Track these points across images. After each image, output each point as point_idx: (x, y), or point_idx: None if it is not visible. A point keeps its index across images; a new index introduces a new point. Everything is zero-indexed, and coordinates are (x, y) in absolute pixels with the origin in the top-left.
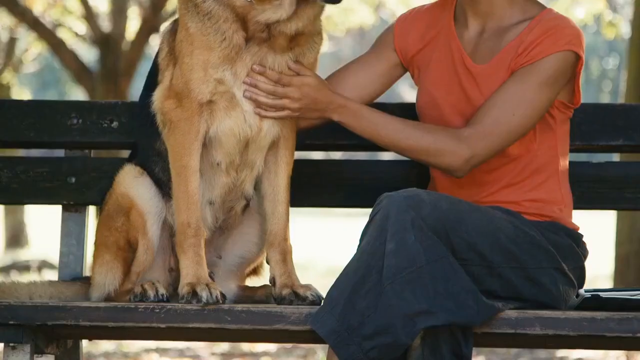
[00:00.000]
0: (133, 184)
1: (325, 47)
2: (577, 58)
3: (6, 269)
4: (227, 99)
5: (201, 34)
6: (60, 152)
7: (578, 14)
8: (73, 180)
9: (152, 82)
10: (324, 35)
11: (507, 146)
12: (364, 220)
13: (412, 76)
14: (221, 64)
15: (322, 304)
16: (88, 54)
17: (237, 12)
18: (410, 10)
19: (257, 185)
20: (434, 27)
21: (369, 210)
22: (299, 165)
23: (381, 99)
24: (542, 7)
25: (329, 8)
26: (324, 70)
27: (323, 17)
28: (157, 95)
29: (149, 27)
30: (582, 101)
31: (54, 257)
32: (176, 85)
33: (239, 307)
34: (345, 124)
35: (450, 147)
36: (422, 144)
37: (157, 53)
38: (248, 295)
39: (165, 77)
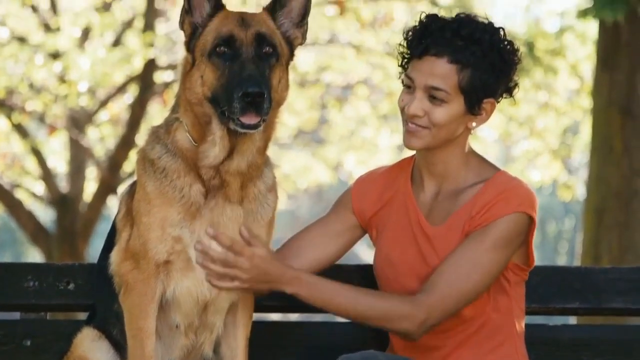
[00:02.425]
0: (91, 348)
1: (283, 205)
2: (530, 220)
3: None
4: (184, 259)
5: (159, 192)
6: (15, 315)
7: (534, 176)
8: (29, 343)
9: (110, 243)
10: (282, 194)
11: (462, 308)
12: None
13: (371, 237)
14: (179, 222)
15: None
16: (45, 215)
17: (188, 161)
18: (368, 173)
19: (216, 347)
20: (391, 188)
21: None
22: (256, 326)
23: (339, 260)
24: (496, 169)
25: (285, 164)
26: (282, 228)
27: (280, 175)
28: (114, 257)
29: (106, 187)
30: (537, 262)
31: None
32: (133, 246)
33: None
34: (299, 295)
35: (404, 312)
36: (376, 311)
37: (116, 214)
38: None
39: (122, 238)
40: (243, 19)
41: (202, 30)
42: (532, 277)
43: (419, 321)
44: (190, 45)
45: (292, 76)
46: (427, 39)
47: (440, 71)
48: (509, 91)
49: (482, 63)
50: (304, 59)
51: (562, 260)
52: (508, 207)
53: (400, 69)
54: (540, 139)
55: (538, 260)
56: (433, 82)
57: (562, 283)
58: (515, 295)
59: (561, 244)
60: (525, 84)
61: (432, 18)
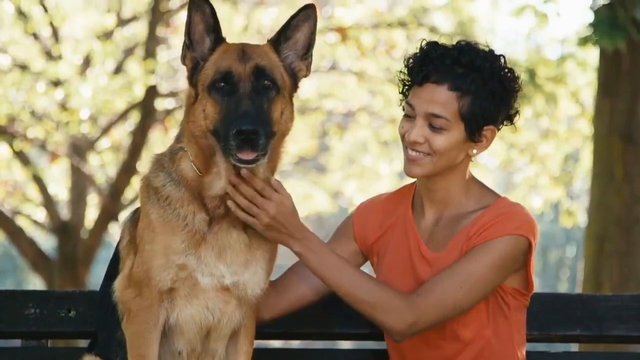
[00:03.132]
0: None
1: None
2: (529, 244)
3: None
4: (189, 286)
5: (163, 221)
6: (16, 342)
7: (535, 203)
8: None
9: (112, 270)
10: None
11: (449, 319)
12: None
13: (372, 264)
14: (184, 250)
15: None
16: (46, 242)
17: (192, 190)
18: (370, 200)
19: None
20: (392, 215)
21: None
22: (258, 353)
23: None
24: (497, 196)
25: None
26: (282, 256)
27: None
28: (118, 285)
29: (107, 214)
30: (538, 289)
31: None
32: (136, 274)
33: None
34: (303, 256)
35: (397, 307)
36: (371, 297)
37: (119, 242)
38: None
39: (126, 266)
40: (243, 52)
41: (203, 65)
42: (534, 304)
43: (408, 321)
44: (192, 80)
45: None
46: (427, 66)
47: (440, 98)
48: (510, 118)
49: (483, 90)
50: (305, 86)
51: (563, 288)
52: (506, 228)
53: (401, 96)
54: (541, 165)
55: (539, 287)
56: (433, 109)
57: (564, 310)
58: (516, 322)
59: (563, 271)
60: (526, 111)
61: (432, 45)
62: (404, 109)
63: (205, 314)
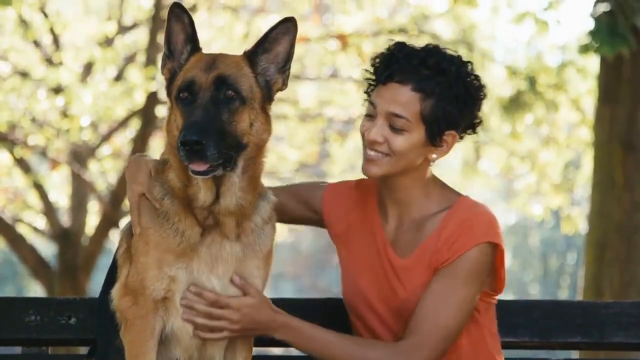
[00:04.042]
0: None
1: (284, 238)
2: (496, 246)
3: None
4: (182, 296)
5: (158, 234)
6: (17, 349)
7: (536, 210)
8: None
9: (111, 278)
10: (283, 228)
11: (447, 348)
12: None
13: (339, 255)
14: (175, 263)
15: None
16: (46, 249)
17: (181, 200)
18: (340, 184)
19: None
20: (357, 209)
21: None
22: None
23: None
24: (458, 194)
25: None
26: (283, 262)
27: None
28: (115, 293)
29: (108, 221)
30: (539, 296)
31: None
32: (131, 283)
33: None
34: (288, 341)
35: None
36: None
37: (117, 250)
38: None
39: (122, 274)
40: (212, 62)
41: (177, 75)
42: (534, 311)
43: None
44: (169, 90)
45: (293, 111)
46: (393, 65)
47: (402, 98)
48: (473, 127)
49: (447, 94)
50: (305, 94)
51: (564, 294)
52: (472, 239)
53: (365, 96)
54: (542, 173)
55: (540, 294)
56: (395, 109)
57: (564, 317)
58: (486, 322)
59: (563, 278)
60: (527, 118)
61: (400, 45)
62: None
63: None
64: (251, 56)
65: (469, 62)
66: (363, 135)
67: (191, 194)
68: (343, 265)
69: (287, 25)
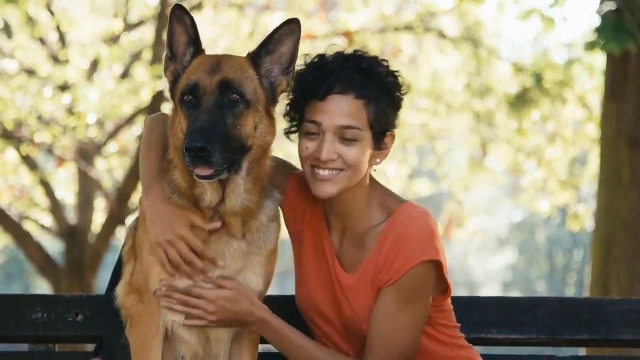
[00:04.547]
0: None
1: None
2: (437, 262)
3: None
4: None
5: None
6: (24, 347)
7: (542, 207)
8: None
9: (117, 275)
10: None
11: (412, 357)
12: None
13: (293, 248)
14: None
15: None
16: (53, 246)
17: (187, 198)
18: (301, 176)
19: None
20: (305, 208)
21: None
22: (263, 358)
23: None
24: (398, 202)
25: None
26: (288, 259)
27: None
28: (119, 291)
29: (114, 219)
30: (546, 293)
31: None
32: (136, 280)
33: None
34: (263, 335)
35: None
36: None
37: (122, 246)
38: None
39: (127, 272)
40: (216, 64)
41: (180, 77)
42: (540, 308)
43: None
44: (172, 92)
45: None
46: (328, 78)
47: (349, 109)
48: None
49: (385, 96)
50: None
51: (570, 292)
52: (409, 259)
53: (287, 118)
54: (548, 169)
55: (546, 291)
56: (344, 121)
57: (571, 314)
58: (441, 321)
59: (570, 275)
60: (533, 114)
61: (325, 58)
62: (291, 132)
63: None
64: (255, 58)
65: (385, 60)
66: (306, 158)
67: (197, 195)
68: (297, 267)
69: (291, 26)
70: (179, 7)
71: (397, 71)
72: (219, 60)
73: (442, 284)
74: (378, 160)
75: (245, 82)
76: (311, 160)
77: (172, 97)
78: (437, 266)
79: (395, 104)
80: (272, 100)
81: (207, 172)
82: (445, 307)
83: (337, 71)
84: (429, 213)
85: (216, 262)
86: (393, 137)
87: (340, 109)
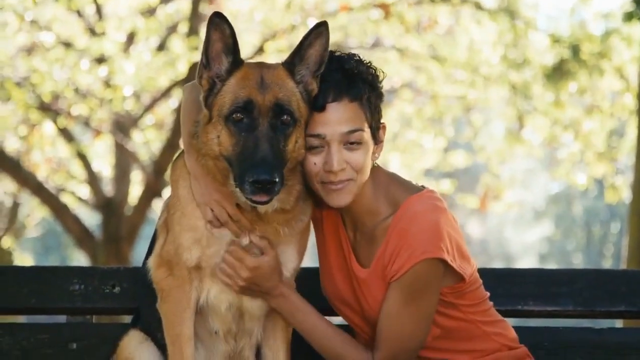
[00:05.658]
0: (137, 350)
1: None
2: (441, 258)
3: None
4: (214, 265)
5: (192, 199)
6: (62, 318)
7: (579, 179)
8: (74, 346)
9: (153, 248)
10: None
11: (420, 347)
12: None
13: (316, 236)
14: (209, 229)
15: None
16: (90, 219)
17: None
18: None
19: (258, 350)
20: (328, 205)
21: None
22: (296, 334)
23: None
24: (405, 194)
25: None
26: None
27: None
28: (151, 264)
29: (151, 191)
30: (582, 265)
31: None
32: (167, 253)
33: None
34: (281, 312)
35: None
36: (339, 357)
37: (158, 219)
38: None
39: (158, 244)
40: (262, 79)
41: (220, 88)
42: (578, 280)
43: None
44: (207, 101)
45: None
46: (320, 86)
47: (348, 114)
48: None
49: (372, 91)
50: None
51: (607, 264)
52: (411, 257)
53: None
54: (585, 141)
55: (583, 263)
56: (347, 126)
57: (608, 286)
58: (465, 302)
59: (607, 247)
60: (570, 86)
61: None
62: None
63: (232, 294)
64: (290, 67)
65: (357, 54)
66: (316, 174)
67: (232, 192)
68: (321, 257)
69: (320, 30)
70: (217, 15)
71: (370, 62)
72: (262, 74)
73: (454, 274)
74: (377, 155)
75: (292, 100)
76: (321, 176)
77: (208, 105)
78: (440, 264)
79: (381, 96)
80: (310, 109)
81: (265, 198)
82: (466, 290)
83: (327, 79)
84: (438, 205)
85: (254, 230)
86: (385, 128)
87: (339, 117)
